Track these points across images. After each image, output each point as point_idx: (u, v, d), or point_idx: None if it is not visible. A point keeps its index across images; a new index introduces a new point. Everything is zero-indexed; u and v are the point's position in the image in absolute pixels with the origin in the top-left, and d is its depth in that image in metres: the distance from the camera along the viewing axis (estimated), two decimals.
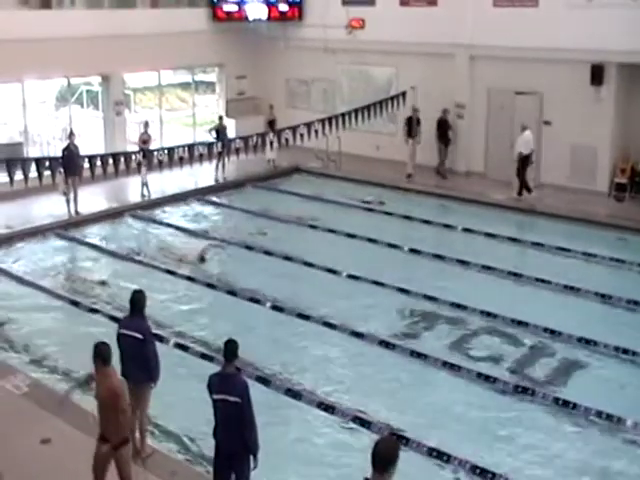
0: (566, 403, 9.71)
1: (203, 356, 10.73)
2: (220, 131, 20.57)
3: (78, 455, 8.09)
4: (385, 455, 4.93)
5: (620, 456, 8.80)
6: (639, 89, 18.40)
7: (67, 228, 16.70)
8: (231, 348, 7.09)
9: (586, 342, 11.42)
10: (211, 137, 20.39)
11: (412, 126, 20.43)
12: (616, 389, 10.24)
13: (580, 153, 18.94)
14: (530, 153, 18.59)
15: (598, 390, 10.18)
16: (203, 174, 20.19)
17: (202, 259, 13.02)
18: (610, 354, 11.14)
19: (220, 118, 21.32)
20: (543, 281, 13.78)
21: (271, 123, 22.28)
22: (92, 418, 7.86)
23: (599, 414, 9.44)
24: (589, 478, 8.40)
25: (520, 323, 12.05)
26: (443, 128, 20.57)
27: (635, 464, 8.64)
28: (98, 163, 16.91)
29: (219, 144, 19.21)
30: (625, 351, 11.10)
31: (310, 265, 14.46)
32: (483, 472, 8.25)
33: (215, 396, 7.06)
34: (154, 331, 8.86)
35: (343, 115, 20.58)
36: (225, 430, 7.02)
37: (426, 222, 17.29)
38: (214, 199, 19.42)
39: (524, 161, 18.59)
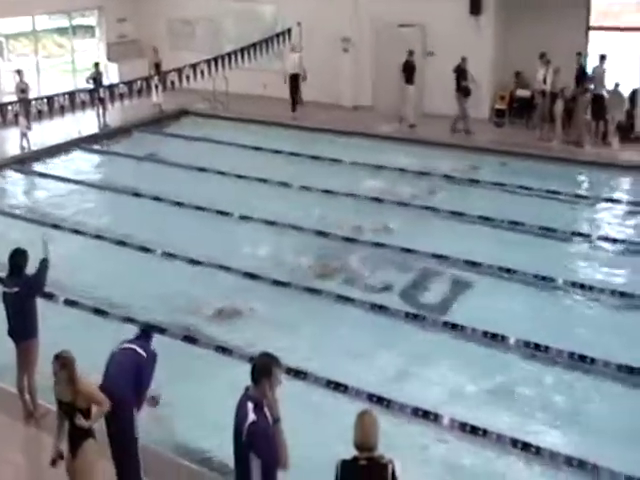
0: (454, 326, 10.07)
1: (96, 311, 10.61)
2: (97, 78, 19.91)
3: None
4: (257, 367, 5.27)
5: (505, 373, 9.19)
6: (517, 18, 18.75)
7: None
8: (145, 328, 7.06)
9: (472, 264, 11.82)
10: (89, 85, 19.73)
11: (410, 71, 19.27)
12: (502, 309, 10.63)
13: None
14: (297, 73, 20.10)
15: (485, 311, 10.54)
16: (86, 122, 19.57)
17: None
18: (496, 274, 11.57)
19: (96, 65, 20.57)
20: (431, 209, 14.16)
21: (157, 66, 21.67)
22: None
23: (485, 334, 9.84)
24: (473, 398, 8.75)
25: (409, 250, 12.36)
26: None
27: (521, 380, 9.03)
28: None
29: (99, 91, 18.64)
30: (508, 270, 11.56)
31: (201, 209, 14.33)
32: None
33: None
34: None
35: (229, 55, 20.29)
36: None
37: (315, 158, 17.34)
38: (99, 147, 18.93)
39: (292, 80, 20.01)
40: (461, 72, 18.38)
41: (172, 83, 19.78)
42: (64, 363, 6.09)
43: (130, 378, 6.49)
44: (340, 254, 12.47)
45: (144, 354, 6.65)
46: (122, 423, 6.38)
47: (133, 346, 6.68)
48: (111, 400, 6.23)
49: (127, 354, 6.64)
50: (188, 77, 19.50)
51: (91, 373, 6.42)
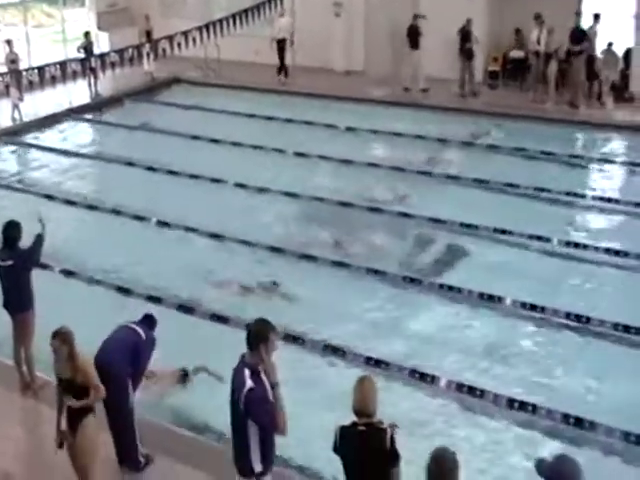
0: (451, 288, 10.06)
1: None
2: (88, 48, 19.69)
3: None
4: (254, 333, 5.27)
5: (503, 333, 9.26)
6: None
7: None
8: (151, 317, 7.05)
9: (468, 226, 11.79)
10: (80, 55, 19.54)
11: (415, 35, 18.76)
12: (498, 270, 10.65)
13: (456, 45, 19.04)
14: (284, 38, 19.78)
15: (480, 272, 10.57)
16: (78, 92, 19.42)
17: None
18: (491, 237, 11.55)
19: (87, 34, 20.28)
20: (426, 173, 14.09)
21: (148, 34, 21.44)
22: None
23: (481, 295, 9.85)
24: (477, 355, 8.79)
25: (405, 215, 12.32)
26: None
27: (517, 340, 9.12)
28: None
29: (90, 60, 18.48)
30: (504, 231, 11.54)
31: (195, 177, 14.22)
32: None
33: None
34: None
35: (221, 21, 20.09)
36: None
37: (309, 124, 17.19)
38: (91, 117, 18.80)
39: (279, 45, 19.77)
40: (465, 34, 18.14)
41: (164, 51, 19.59)
42: (64, 339, 6.02)
43: (126, 353, 6.53)
44: (336, 220, 12.43)
45: (143, 336, 6.69)
46: (116, 394, 6.37)
47: (134, 327, 6.76)
48: (106, 371, 6.23)
49: (127, 332, 6.72)
50: (180, 45, 19.31)
51: (86, 344, 6.39)
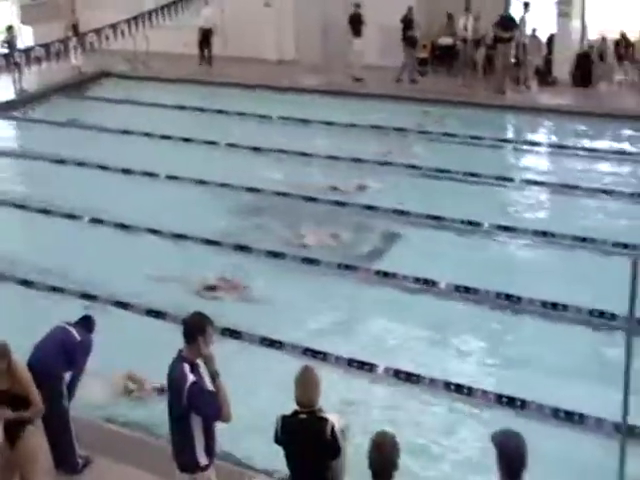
0: (386, 274, 10.18)
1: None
2: (11, 42, 19.23)
3: None
4: (191, 325, 5.27)
5: (436, 317, 9.40)
6: None
7: None
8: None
9: (401, 213, 11.94)
10: (3, 49, 19.11)
11: (357, 23, 18.76)
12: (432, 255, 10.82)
13: (387, 32, 19.19)
14: (210, 27, 20.11)
15: (415, 258, 10.72)
16: (2, 88, 18.98)
17: None
18: (424, 222, 11.72)
19: (9, 28, 19.79)
20: (358, 160, 14.21)
21: (74, 27, 21.05)
22: None
23: (416, 280, 9.99)
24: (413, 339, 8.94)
25: (339, 203, 12.42)
26: None
27: (453, 323, 9.27)
28: None
29: (14, 55, 18.06)
30: (436, 217, 11.71)
31: (127, 171, 14.08)
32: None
33: None
34: None
35: (150, 13, 19.83)
36: None
37: (241, 114, 17.18)
38: (16, 114, 18.40)
39: (204, 35, 20.11)
40: (408, 22, 18.27)
41: (91, 44, 19.23)
42: (2, 353, 5.82)
43: (60, 354, 6.44)
44: (272, 210, 12.44)
45: (77, 338, 6.59)
46: (49, 395, 6.24)
47: (69, 328, 6.65)
48: (38, 372, 6.11)
49: (61, 333, 6.62)
50: (108, 37, 18.98)
51: (19, 349, 6.23)
